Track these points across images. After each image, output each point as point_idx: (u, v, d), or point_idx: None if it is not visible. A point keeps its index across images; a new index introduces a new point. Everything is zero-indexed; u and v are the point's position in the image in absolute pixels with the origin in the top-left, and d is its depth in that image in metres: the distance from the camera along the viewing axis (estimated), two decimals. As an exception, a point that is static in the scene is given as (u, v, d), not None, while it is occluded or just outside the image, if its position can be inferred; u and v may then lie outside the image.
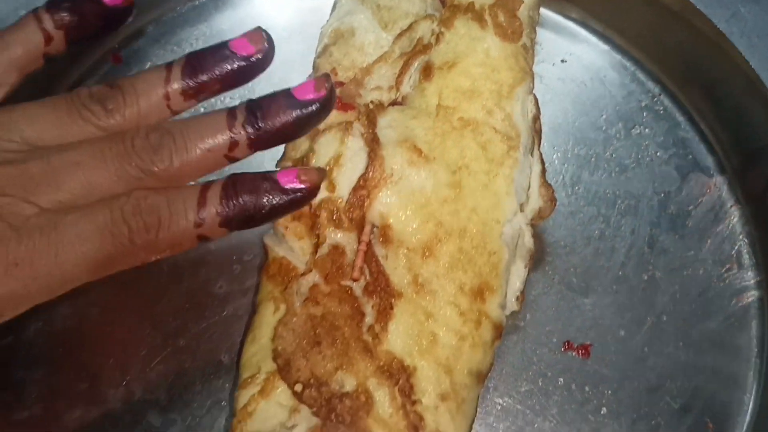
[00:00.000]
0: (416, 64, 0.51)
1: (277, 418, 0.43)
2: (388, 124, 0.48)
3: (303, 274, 0.46)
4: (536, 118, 0.52)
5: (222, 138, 0.39)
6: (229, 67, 0.41)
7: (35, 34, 0.42)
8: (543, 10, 0.59)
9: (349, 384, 0.42)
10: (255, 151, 0.40)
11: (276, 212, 0.38)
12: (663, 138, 0.56)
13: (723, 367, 0.50)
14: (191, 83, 0.41)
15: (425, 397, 0.43)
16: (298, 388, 0.42)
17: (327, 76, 0.41)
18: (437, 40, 0.51)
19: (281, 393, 0.43)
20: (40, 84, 0.55)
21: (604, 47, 0.59)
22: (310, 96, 0.40)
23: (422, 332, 0.44)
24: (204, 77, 0.41)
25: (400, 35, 0.53)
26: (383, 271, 0.45)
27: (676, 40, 0.56)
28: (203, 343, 0.50)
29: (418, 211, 0.46)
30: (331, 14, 0.56)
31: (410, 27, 0.53)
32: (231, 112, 0.39)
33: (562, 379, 0.49)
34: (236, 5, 0.61)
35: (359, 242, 0.46)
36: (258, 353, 0.45)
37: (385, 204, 0.45)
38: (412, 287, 0.45)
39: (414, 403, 0.43)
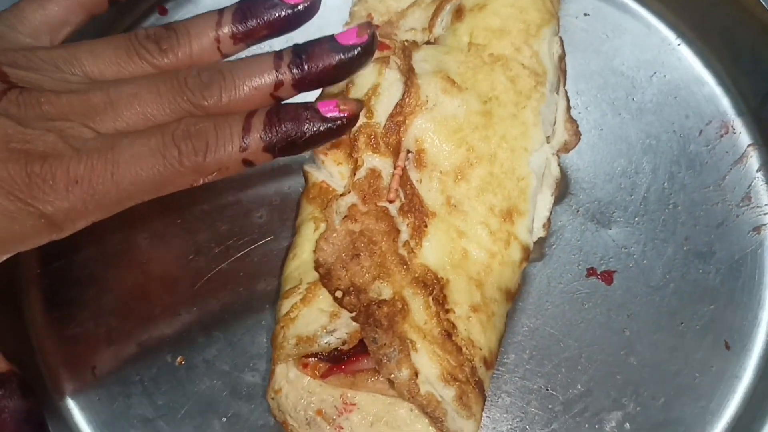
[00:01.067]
0: (448, 8, 0.54)
1: (319, 323, 0.45)
2: (422, 59, 0.51)
3: (342, 195, 0.49)
4: (561, 58, 0.54)
5: (268, 77, 0.41)
6: (277, 14, 0.44)
7: None
8: (567, -32, 0.62)
9: (386, 292, 0.45)
10: (299, 92, 0.43)
11: (316, 139, 0.41)
12: (682, 83, 0.59)
13: (740, 291, 0.52)
14: (241, 28, 0.44)
15: (458, 307, 0.45)
16: (339, 294, 0.45)
17: (369, 23, 0.44)
18: (469, -16, 0.54)
19: (322, 300, 0.46)
20: (89, 31, 0.58)
21: (625, 0, 0.62)
22: (353, 41, 0.42)
23: (455, 248, 0.47)
24: (253, 23, 0.44)
25: (433, -18, 0.56)
26: (417, 193, 0.47)
27: (694, -11, 0.59)
28: (244, 267, 0.53)
29: (451, 137, 0.48)
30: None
31: (443, -26, 0.56)
32: (278, 54, 0.42)
33: (585, 303, 0.52)
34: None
35: (395, 167, 0.48)
36: (300, 267, 0.48)
37: (420, 129, 0.48)
38: (445, 208, 0.47)
39: (447, 312, 0.45)
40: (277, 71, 0.42)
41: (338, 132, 0.41)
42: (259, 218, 0.54)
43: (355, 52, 0.42)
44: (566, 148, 0.52)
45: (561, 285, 0.52)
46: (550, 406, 0.50)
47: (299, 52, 0.42)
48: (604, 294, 0.52)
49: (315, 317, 0.46)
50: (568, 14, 0.62)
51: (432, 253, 0.46)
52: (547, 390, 0.50)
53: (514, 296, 0.48)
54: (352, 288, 0.45)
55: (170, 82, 0.41)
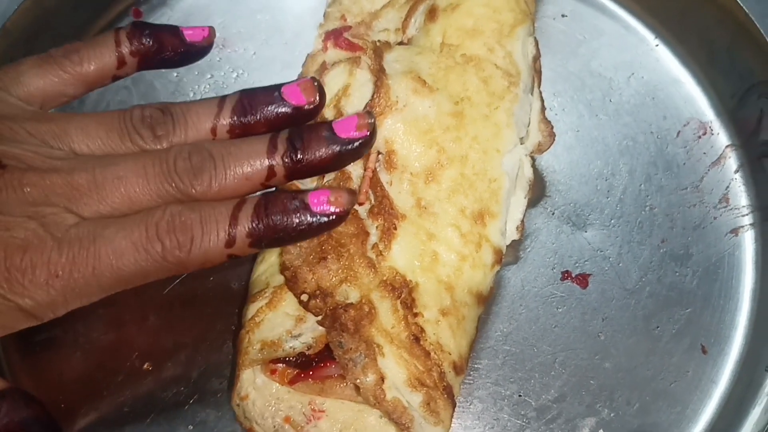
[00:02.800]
0: (422, 8, 0.53)
1: (284, 327, 0.45)
2: (394, 59, 0.50)
3: (310, 197, 0.48)
4: (536, 58, 0.54)
5: (261, 167, 0.40)
6: (278, 112, 0.42)
7: (110, 56, 0.44)
8: (546, -31, 0.61)
9: (354, 296, 0.44)
10: (291, 180, 0.42)
11: (305, 234, 0.40)
12: (660, 84, 0.58)
13: (717, 295, 0.51)
14: (239, 122, 0.42)
15: (426, 311, 0.44)
16: (304, 297, 0.44)
17: (369, 113, 0.43)
18: (442, -15, 0.54)
19: (288, 304, 0.45)
20: (64, 35, 0.58)
21: (603, 1, 0.61)
22: (352, 134, 0.41)
23: (424, 251, 0.46)
24: (252, 119, 0.42)
25: (406, -17, 0.56)
26: (387, 195, 0.47)
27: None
28: (214, 270, 0.51)
29: (422, 138, 0.48)
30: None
31: (416, -26, 0.55)
32: (272, 140, 0.41)
33: (560, 307, 0.51)
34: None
35: (365, 168, 0.48)
36: (267, 271, 0.47)
37: (390, 130, 0.47)
38: (415, 210, 0.47)
39: (416, 315, 0.44)
40: (270, 160, 0.40)
41: (329, 227, 0.40)
42: (229, 221, 0.53)
43: (354, 146, 0.41)
44: (540, 149, 0.52)
45: (535, 288, 0.51)
46: (522, 413, 0.49)
47: (294, 141, 0.41)
48: (579, 297, 0.51)
49: (280, 321, 0.45)
50: (545, 16, 0.61)
51: (401, 255, 0.45)
52: (520, 396, 0.49)
53: (486, 300, 0.48)
54: (318, 291, 0.44)
55: (159, 165, 0.39)
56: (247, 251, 0.39)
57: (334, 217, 0.40)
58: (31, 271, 0.36)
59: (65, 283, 0.37)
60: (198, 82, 0.58)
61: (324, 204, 0.39)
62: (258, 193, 0.41)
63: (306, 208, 0.39)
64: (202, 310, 0.51)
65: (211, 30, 0.47)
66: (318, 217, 0.39)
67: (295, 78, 0.54)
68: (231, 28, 0.61)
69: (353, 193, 0.42)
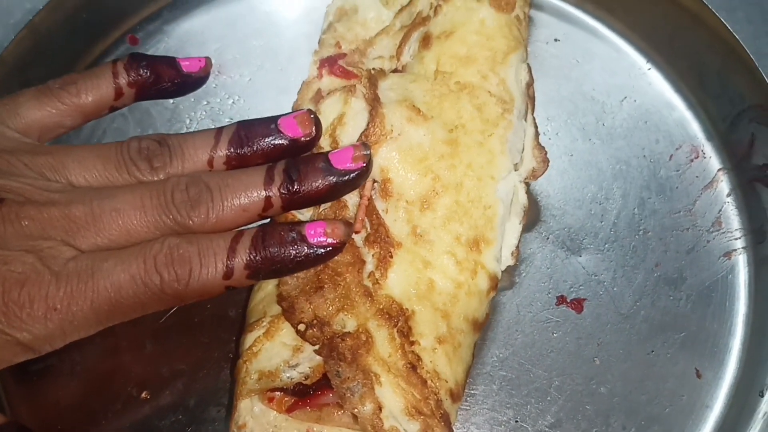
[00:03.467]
0: (416, 35, 0.54)
1: (281, 357, 0.45)
2: (388, 87, 0.51)
3: (307, 226, 0.48)
4: (529, 84, 0.54)
5: (258, 198, 0.41)
6: (274, 144, 0.43)
7: (108, 88, 0.45)
8: (539, -7, 0.62)
9: (350, 325, 0.44)
10: (288, 211, 0.43)
11: (302, 265, 0.40)
12: (652, 108, 0.59)
13: (711, 319, 0.52)
14: (236, 153, 0.43)
15: (423, 339, 0.45)
16: (302, 327, 0.44)
17: (365, 145, 0.44)
18: (435, 12, 0.54)
19: (285, 334, 0.45)
20: (59, 61, 0.59)
21: (595, 26, 0.62)
22: (348, 165, 0.42)
23: (420, 279, 0.46)
24: (248, 149, 0.43)
25: (400, 10, 0.56)
26: (383, 223, 0.47)
27: (661, 15, 0.59)
28: (211, 298, 0.52)
29: (416, 166, 0.48)
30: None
31: (410, 2, 0.56)
32: (269, 172, 0.41)
33: (555, 332, 0.51)
34: (247, -8, 0.65)
35: (360, 196, 0.48)
36: (264, 300, 0.47)
37: (385, 159, 0.48)
38: (411, 238, 0.47)
39: (412, 344, 0.45)
40: (267, 191, 0.41)
41: (326, 258, 0.41)
42: (226, 248, 0.54)
43: (350, 177, 0.42)
44: (534, 175, 0.52)
45: (530, 314, 0.52)
46: (520, 439, 0.49)
47: (291, 172, 0.41)
48: (574, 322, 0.51)
49: (278, 351, 0.45)
50: (538, 40, 0.62)
51: (397, 284, 0.46)
52: (517, 422, 0.49)
53: (481, 326, 0.48)
54: (315, 321, 0.44)
55: (156, 198, 0.40)
56: (245, 283, 0.40)
57: (330, 248, 0.40)
58: (29, 305, 0.36)
59: (63, 316, 0.37)
60: (194, 109, 0.59)
61: (321, 236, 0.40)
62: (256, 224, 0.42)
63: (303, 239, 0.40)
64: (198, 337, 0.51)
65: (208, 60, 0.47)
66: (315, 248, 0.40)
67: (290, 104, 0.56)
68: (226, 54, 0.61)
69: (350, 225, 0.42)
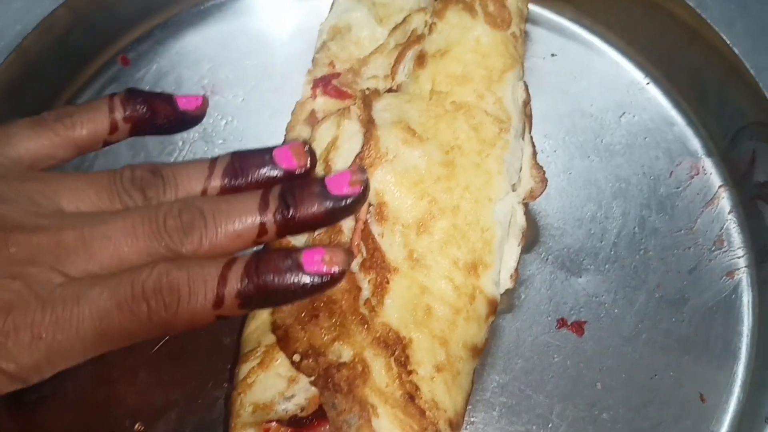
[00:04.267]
0: (410, 54, 0.53)
1: (276, 388, 0.44)
2: (383, 108, 0.50)
3: (301, 252, 0.47)
4: (526, 103, 0.53)
5: (252, 224, 0.39)
6: (269, 175, 0.42)
7: (103, 122, 0.44)
8: (534, 8, 0.61)
9: (346, 354, 0.43)
10: (283, 237, 0.41)
11: (298, 296, 0.39)
12: (651, 124, 0.58)
13: (715, 341, 0.51)
14: (230, 184, 0.42)
15: (421, 368, 0.44)
16: (296, 358, 0.43)
17: (362, 169, 0.42)
18: (430, 30, 0.53)
19: (280, 364, 0.44)
20: (51, 83, 0.58)
21: (592, 40, 0.61)
22: (345, 190, 0.41)
23: (418, 305, 0.45)
24: (243, 182, 0.42)
25: (395, 28, 0.55)
26: (379, 247, 0.46)
27: (659, 30, 0.58)
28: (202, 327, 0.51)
29: (413, 189, 0.47)
30: (329, 13, 0.59)
31: (404, 20, 0.55)
32: (264, 197, 0.40)
33: (556, 356, 0.50)
34: (239, 10, 0.64)
35: (356, 220, 0.47)
36: (258, 328, 0.46)
37: (380, 182, 0.47)
38: (407, 262, 0.46)
39: (410, 373, 0.44)
40: (262, 217, 0.39)
41: (322, 288, 0.39)
42: (220, 274, 0.53)
43: (346, 202, 0.41)
44: (532, 195, 0.51)
45: (531, 338, 0.51)
46: (520, 468, 0.48)
47: (287, 198, 0.40)
48: (575, 346, 0.50)
49: (272, 383, 0.44)
50: (534, 55, 0.61)
51: (394, 310, 0.45)
52: (518, 449, 0.48)
53: (480, 352, 0.47)
54: (310, 350, 0.43)
55: (149, 224, 0.39)
56: (236, 312, 0.38)
57: (329, 277, 0.38)
58: (14, 334, 0.35)
59: (49, 344, 0.36)
60: (187, 131, 0.57)
61: (319, 264, 0.38)
62: (251, 249, 0.41)
63: (299, 267, 0.38)
64: (192, 366, 0.50)
65: (205, 99, 0.47)
66: (312, 277, 0.38)
67: (284, 125, 0.55)
68: (219, 73, 0.60)
69: (350, 253, 0.40)
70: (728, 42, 0.53)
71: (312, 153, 0.43)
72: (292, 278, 0.38)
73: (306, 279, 0.38)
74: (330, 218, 0.41)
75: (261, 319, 0.47)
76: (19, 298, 0.36)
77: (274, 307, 0.42)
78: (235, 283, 0.37)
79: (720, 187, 0.56)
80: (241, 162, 0.42)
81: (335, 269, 0.38)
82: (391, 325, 0.44)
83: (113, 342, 0.38)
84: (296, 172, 0.42)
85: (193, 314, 0.37)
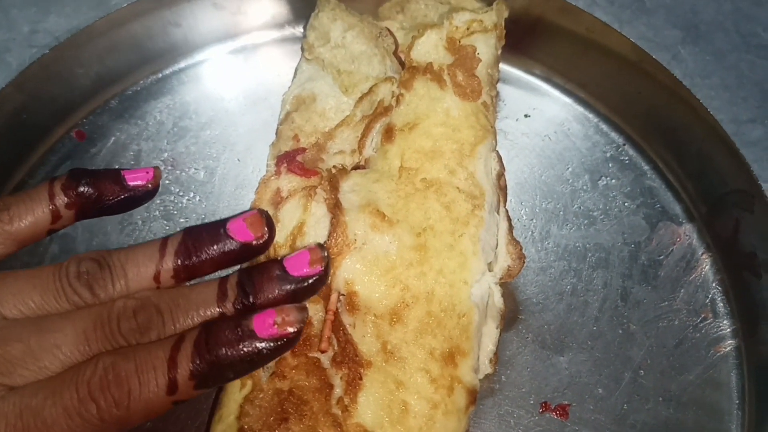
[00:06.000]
0: (378, 127, 0.51)
1: (246, 501, 0.41)
2: (350, 189, 0.48)
3: (269, 348, 0.45)
4: (500, 175, 0.51)
5: (211, 314, 0.37)
6: (224, 251, 0.39)
7: (44, 211, 0.41)
8: (504, 67, 0.59)
9: (319, 460, 0.41)
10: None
11: (255, 365, 0.36)
12: (630, 188, 0.56)
13: (704, 420, 0.49)
14: (183, 264, 0.39)
15: (399, 471, 0.41)
16: (266, 467, 0.41)
17: (321, 246, 0.40)
18: (398, 101, 0.51)
19: (250, 472, 0.42)
20: (3, 161, 0.55)
21: (567, 100, 0.60)
22: (305, 271, 0.39)
23: (393, 402, 0.43)
24: (197, 260, 0.39)
25: (360, 99, 0.53)
26: (351, 340, 0.44)
27: (636, 90, 0.57)
28: (171, 423, 0.48)
29: (384, 276, 0.45)
30: (292, 81, 0.57)
31: (370, 90, 0.53)
32: (221, 287, 0.38)
33: (541, 443, 0.48)
34: (199, 77, 0.61)
35: (326, 312, 0.45)
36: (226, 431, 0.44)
37: (349, 270, 0.45)
38: (381, 355, 0.44)
39: (386, 478, 0.41)
40: (221, 308, 0.37)
41: (279, 352, 0.36)
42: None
43: (308, 283, 0.39)
44: (510, 274, 0.49)
45: (513, 424, 0.48)
46: None
47: (245, 286, 0.38)
48: (560, 430, 0.48)
49: (241, 494, 0.41)
50: (506, 117, 0.59)
51: (368, 409, 0.42)
52: None
53: (461, 446, 0.45)
54: (280, 458, 0.41)
55: (101, 329, 0.36)
56: (193, 394, 0.35)
57: (284, 340, 0.36)
58: None
59: None
60: (147, 209, 0.55)
61: (271, 328, 0.36)
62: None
63: (252, 336, 0.35)
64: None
65: (156, 171, 0.43)
66: (266, 342, 0.35)
67: (249, 199, 0.53)
68: (179, 146, 0.58)
69: (303, 309, 0.37)
70: (703, 102, 0.52)
71: (269, 222, 0.40)
72: (246, 348, 0.35)
73: (261, 345, 0.35)
74: (293, 300, 0.39)
75: (227, 422, 0.44)
76: None
77: (234, 380, 0.39)
78: (186, 365, 0.35)
79: (703, 253, 0.54)
80: (194, 240, 0.39)
81: (290, 329, 0.36)
82: (366, 426, 0.42)
83: None
84: (253, 245, 0.39)
85: (147, 404, 0.35)
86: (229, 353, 0.35)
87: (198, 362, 0.35)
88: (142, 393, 0.34)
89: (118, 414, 0.34)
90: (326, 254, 0.39)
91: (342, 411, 0.42)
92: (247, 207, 0.53)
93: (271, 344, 0.36)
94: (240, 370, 0.36)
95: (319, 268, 0.39)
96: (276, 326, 0.36)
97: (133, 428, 0.35)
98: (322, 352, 0.44)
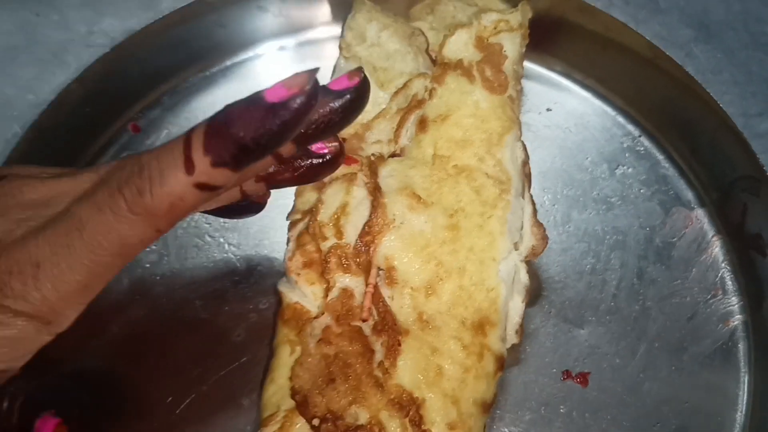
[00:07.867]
0: (412, 118, 0.55)
1: (297, 453, 0.46)
2: (389, 174, 0.52)
3: (316, 317, 0.49)
4: (525, 162, 0.56)
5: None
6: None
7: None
8: (527, 64, 0.63)
9: (363, 417, 0.45)
10: (301, 147, 0.39)
11: (272, 135, 0.34)
12: (645, 176, 0.60)
13: (715, 388, 0.53)
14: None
15: (435, 427, 0.46)
16: (316, 422, 0.45)
17: (359, 68, 0.39)
18: (430, 95, 0.56)
19: (300, 429, 0.46)
20: (62, 154, 0.60)
21: (586, 95, 0.64)
22: (345, 85, 0.38)
23: (429, 366, 0.47)
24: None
25: (396, 93, 0.57)
26: (390, 310, 0.48)
27: (651, 85, 0.61)
28: (224, 388, 0.52)
29: (420, 253, 0.49)
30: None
31: (405, 85, 0.57)
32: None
33: (563, 407, 0.52)
34: (243, 74, 0.66)
35: (367, 285, 0.49)
36: (277, 393, 0.48)
37: (388, 247, 0.49)
38: (417, 324, 0.48)
39: (424, 432, 0.46)
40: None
41: (296, 123, 0.34)
42: (237, 337, 0.54)
43: (347, 98, 0.38)
44: (534, 253, 0.53)
45: (537, 390, 0.53)
46: None
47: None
48: (581, 397, 0.52)
49: (293, 448, 0.46)
50: (529, 110, 0.63)
51: (406, 372, 0.47)
52: (529, 501, 0.50)
53: (490, 407, 0.49)
54: (328, 414, 0.45)
55: None
56: (216, 176, 0.35)
57: (299, 105, 0.34)
58: (16, 265, 0.35)
59: (49, 270, 0.35)
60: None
61: (281, 91, 0.34)
62: None
63: (261, 102, 0.34)
64: (213, 429, 0.52)
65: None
66: (280, 107, 0.34)
67: (293, 189, 0.57)
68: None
69: (311, 72, 0.35)
70: (714, 96, 0.56)
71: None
72: (257, 113, 0.34)
73: (274, 116, 0.34)
74: (338, 117, 0.38)
75: (278, 383, 0.49)
76: (11, 235, 0.36)
77: (255, 159, 0.35)
78: (199, 140, 0.34)
79: (713, 236, 0.58)
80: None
81: (298, 89, 0.34)
82: (405, 387, 0.46)
83: (113, 254, 0.36)
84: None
85: (171, 190, 0.35)
86: (242, 123, 0.34)
87: (211, 137, 0.34)
88: (162, 176, 0.34)
89: (143, 201, 0.34)
90: (363, 73, 0.38)
91: (383, 373, 0.47)
92: (291, 196, 0.57)
93: (287, 107, 0.34)
94: (257, 145, 0.34)
95: (357, 80, 0.38)
96: (284, 88, 0.34)
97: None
98: (364, 321, 0.48)
